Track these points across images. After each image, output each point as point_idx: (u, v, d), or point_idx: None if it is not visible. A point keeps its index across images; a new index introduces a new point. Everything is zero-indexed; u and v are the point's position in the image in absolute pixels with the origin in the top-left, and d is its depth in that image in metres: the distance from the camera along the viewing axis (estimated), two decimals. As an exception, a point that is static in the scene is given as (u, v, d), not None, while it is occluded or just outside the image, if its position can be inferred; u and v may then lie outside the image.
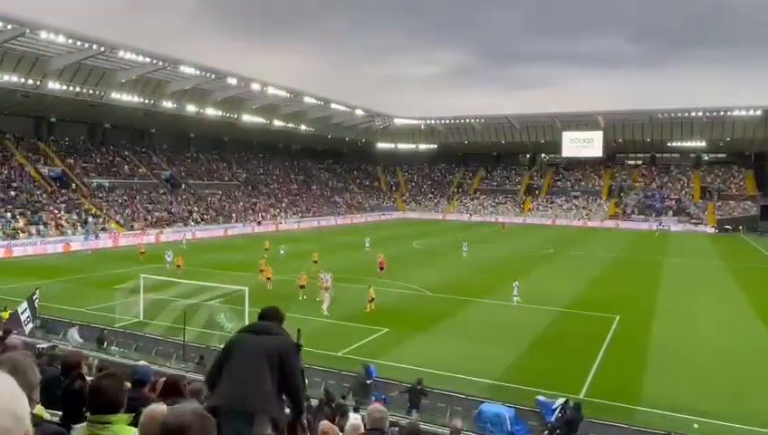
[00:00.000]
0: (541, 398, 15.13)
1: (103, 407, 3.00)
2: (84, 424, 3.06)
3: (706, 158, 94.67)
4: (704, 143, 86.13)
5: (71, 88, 53.21)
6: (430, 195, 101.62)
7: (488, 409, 14.48)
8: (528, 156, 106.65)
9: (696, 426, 14.67)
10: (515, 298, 29.05)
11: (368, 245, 48.06)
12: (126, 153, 71.16)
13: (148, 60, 52.96)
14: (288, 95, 71.07)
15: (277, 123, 78.24)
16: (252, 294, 23.64)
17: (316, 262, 37.74)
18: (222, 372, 3.60)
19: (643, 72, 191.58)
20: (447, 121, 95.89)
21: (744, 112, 74.87)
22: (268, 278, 31.12)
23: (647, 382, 18.20)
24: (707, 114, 78.62)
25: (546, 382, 17.44)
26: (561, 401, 14.55)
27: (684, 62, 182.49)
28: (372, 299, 26.80)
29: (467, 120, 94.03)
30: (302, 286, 28.85)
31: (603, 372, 19.01)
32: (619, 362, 20.25)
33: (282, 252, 42.70)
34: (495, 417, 14.09)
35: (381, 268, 33.80)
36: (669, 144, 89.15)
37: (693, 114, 79.53)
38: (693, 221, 78.55)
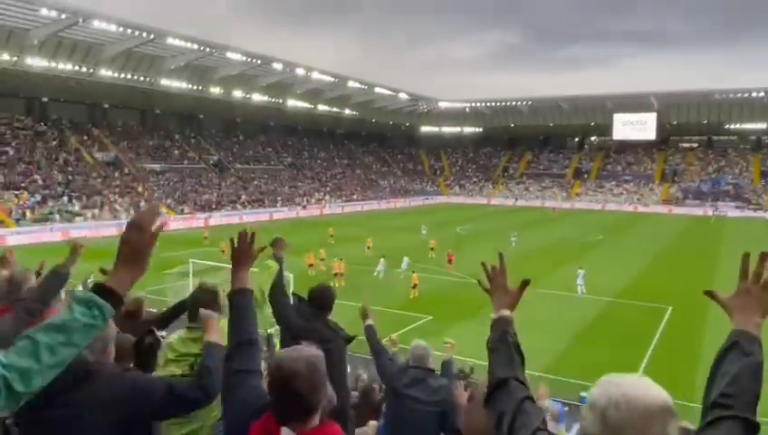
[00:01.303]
0: (584, 394, 14.71)
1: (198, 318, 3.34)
2: (182, 331, 3.51)
3: (767, 140, 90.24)
4: (764, 125, 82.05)
5: (122, 75, 54.71)
6: (474, 179, 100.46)
7: (534, 402, 14.17)
8: (577, 139, 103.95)
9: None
10: (580, 287, 28.38)
11: (424, 231, 47.05)
12: (176, 138, 72.84)
13: (195, 46, 53.88)
14: (332, 80, 71.24)
15: (321, 108, 78.61)
16: (296, 280, 23.84)
17: (369, 247, 37.96)
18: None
19: (700, 52, 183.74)
20: (493, 104, 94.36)
21: (809, 92, 70.81)
22: (337, 274, 29.08)
23: (700, 378, 17.49)
24: (769, 94, 74.82)
25: (595, 375, 16.91)
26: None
27: (743, 42, 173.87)
28: (415, 285, 26.73)
29: (514, 103, 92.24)
30: (336, 274, 28.82)
31: (654, 367, 18.42)
32: (671, 355, 19.58)
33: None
34: (542, 411, 13.78)
35: (450, 262, 32.27)
36: (727, 126, 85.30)
37: (753, 95, 75.84)
38: (751, 207, 75.13)
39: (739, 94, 77.38)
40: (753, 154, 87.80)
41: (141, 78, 56.82)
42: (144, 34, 49.59)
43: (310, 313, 4.30)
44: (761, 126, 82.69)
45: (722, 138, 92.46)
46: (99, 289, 1.89)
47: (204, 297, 3.56)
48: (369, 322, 5.15)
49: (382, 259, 31.86)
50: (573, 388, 16.05)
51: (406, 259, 32.49)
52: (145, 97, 63.39)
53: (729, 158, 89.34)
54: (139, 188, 57.74)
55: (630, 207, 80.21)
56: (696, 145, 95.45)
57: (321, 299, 4.08)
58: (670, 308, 25.50)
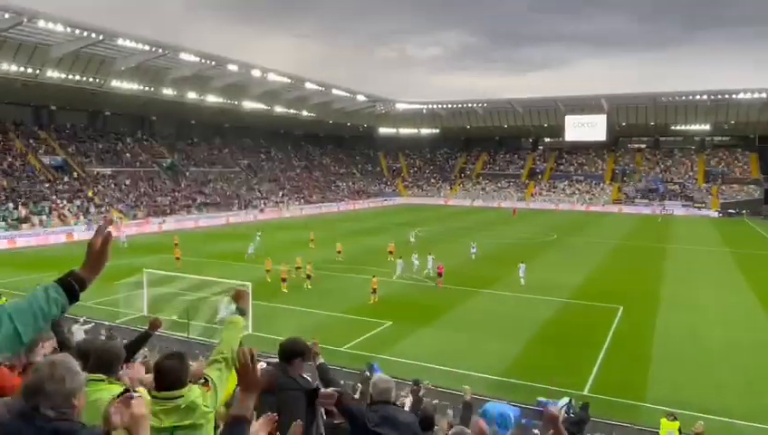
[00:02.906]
0: (541, 399, 15.10)
1: (167, 385, 3.17)
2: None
3: (710, 141, 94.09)
4: (708, 126, 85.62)
5: (70, 76, 52.96)
6: (432, 180, 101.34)
7: (493, 408, 14.45)
8: (531, 140, 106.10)
9: (701, 423, 14.64)
10: (522, 278, 30.75)
11: (413, 238, 45.42)
12: (127, 140, 70.94)
13: (147, 47, 52.60)
14: (289, 81, 70.71)
15: (278, 109, 77.91)
16: (256, 288, 23.64)
17: (339, 252, 37.75)
18: None
19: (649, 54, 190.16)
20: (449, 106, 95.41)
21: (748, 95, 74.28)
22: (308, 276, 29.75)
23: (651, 378, 18.19)
24: (712, 97, 78.12)
25: (550, 378, 17.42)
26: (565, 400, 14.54)
27: (690, 44, 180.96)
28: (375, 290, 26.82)
29: (470, 105, 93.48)
30: (283, 279, 28.76)
31: (607, 367, 19.00)
32: (623, 355, 20.23)
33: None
34: (500, 417, 14.07)
35: (440, 274, 30.79)
36: (673, 127, 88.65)
37: (697, 97, 79.04)
38: (696, 205, 78.25)
39: (684, 97, 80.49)
40: (697, 154, 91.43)
41: (90, 79, 55.12)
42: (93, 35, 48.08)
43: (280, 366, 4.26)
44: (704, 127, 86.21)
45: (668, 139, 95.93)
46: (70, 274, 2.49)
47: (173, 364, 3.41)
48: (321, 360, 5.11)
49: (400, 260, 32.88)
50: (530, 391, 16.45)
51: (431, 258, 33.87)
52: (94, 99, 61.47)
53: (675, 158, 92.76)
54: (89, 193, 55.98)
55: (582, 207, 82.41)
56: (644, 146, 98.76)
57: (290, 352, 4.07)
58: (621, 308, 26.31)
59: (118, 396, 3.02)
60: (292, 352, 4.08)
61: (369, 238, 47.84)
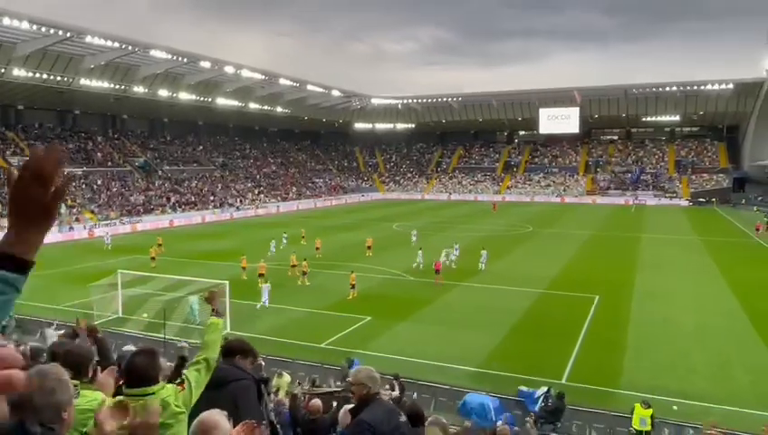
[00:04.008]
0: (522, 388, 15.28)
1: (137, 381, 3.12)
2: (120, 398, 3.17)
3: (680, 132, 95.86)
4: (678, 117, 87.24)
5: (37, 75, 51.76)
6: (409, 175, 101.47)
7: (472, 399, 14.58)
8: (506, 133, 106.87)
9: (675, 408, 14.97)
10: (482, 264, 32.45)
11: (414, 237, 43.15)
12: (98, 140, 69.64)
13: (116, 45, 51.58)
14: (263, 77, 70.05)
15: (252, 106, 77.19)
16: (233, 287, 23.46)
17: (318, 248, 37.62)
18: None
19: (621, 47, 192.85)
20: (425, 100, 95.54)
21: (716, 86, 75.78)
22: (304, 272, 29.77)
23: (627, 365, 18.51)
24: (681, 88, 79.53)
25: (528, 368, 17.63)
26: (543, 389, 14.72)
27: (660, 37, 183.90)
28: (353, 285, 26.79)
29: (445, 99, 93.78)
30: (261, 274, 28.63)
31: (584, 356, 19.27)
32: (599, 344, 20.53)
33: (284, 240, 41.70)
34: (480, 407, 14.19)
35: (437, 271, 30.42)
36: (644, 119, 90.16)
37: (667, 89, 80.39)
38: (668, 195, 79.70)
39: (654, 89, 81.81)
40: (668, 145, 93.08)
41: (58, 78, 53.92)
42: (60, 32, 46.99)
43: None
44: (674, 118, 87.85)
45: (640, 130, 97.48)
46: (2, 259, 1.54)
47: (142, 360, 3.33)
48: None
49: (420, 251, 33.68)
50: (509, 382, 16.61)
51: (456, 245, 34.94)
52: (63, 97, 60.18)
53: (647, 149, 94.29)
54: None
55: (557, 199, 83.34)
56: (616, 137, 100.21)
57: (236, 350, 4.22)
58: (597, 297, 26.70)
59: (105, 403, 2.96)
60: (240, 350, 4.23)
61: (346, 234, 47.75)
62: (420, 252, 33.78)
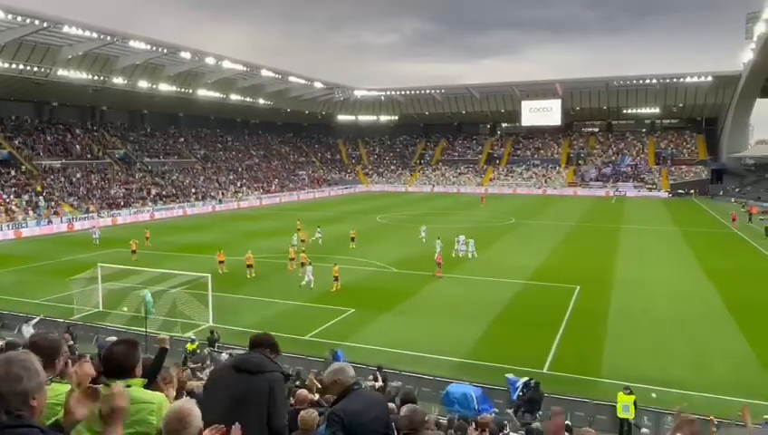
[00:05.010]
0: (509, 376, 15.43)
1: (114, 373, 3.07)
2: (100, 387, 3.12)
3: (660, 124, 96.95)
4: (658, 109, 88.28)
5: (13, 65, 50.79)
6: (392, 167, 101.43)
7: (455, 389, 14.68)
8: (489, 126, 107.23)
9: (654, 395, 15.20)
10: (460, 250, 34.17)
11: (423, 234, 41.13)
12: (77, 132, 68.56)
13: (95, 35, 50.71)
14: (244, 69, 69.44)
15: (234, 97, 76.55)
16: (215, 280, 23.32)
17: (304, 241, 37.40)
18: (209, 412, 3.71)
19: (602, 39, 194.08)
20: (408, 92, 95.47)
21: (695, 79, 76.79)
22: (302, 263, 29.14)
23: (607, 354, 18.75)
24: (661, 81, 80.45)
25: (510, 358, 17.79)
26: (524, 379, 14.88)
27: (640, 30, 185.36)
28: (337, 278, 26.78)
29: (428, 91, 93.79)
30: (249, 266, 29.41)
31: (565, 345, 19.49)
32: (580, 333, 20.77)
33: (318, 235, 40.43)
34: (463, 397, 14.30)
35: (439, 265, 30.10)
36: (625, 111, 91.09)
37: (647, 81, 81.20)
38: (648, 186, 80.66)
39: (635, 81, 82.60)
40: (648, 137, 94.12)
41: (35, 69, 52.92)
42: (37, 22, 46.06)
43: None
44: (654, 111, 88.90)
45: (621, 122, 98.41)
46: None
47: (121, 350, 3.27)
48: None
49: (438, 240, 34.15)
50: (491, 372, 16.76)
51: (467, 240, 35.23)
52: (40, 89, 59.08)
53: (627, 141, 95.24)
54: (38, 187, 53.96)
55: (539, 191, 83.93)
56: (597, 130, 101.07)
57: (263, 343, 4.27)
58: (578, 287, 26.98)
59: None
60: (269, 344, 4.24)
61: (330, 226, 47.60)
62: (439, 241, 34.23)
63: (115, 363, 3.11)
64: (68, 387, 3.17)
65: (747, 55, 65.07)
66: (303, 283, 26.75)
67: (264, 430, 3.71)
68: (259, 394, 3.75)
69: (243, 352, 4.65)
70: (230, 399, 3.73)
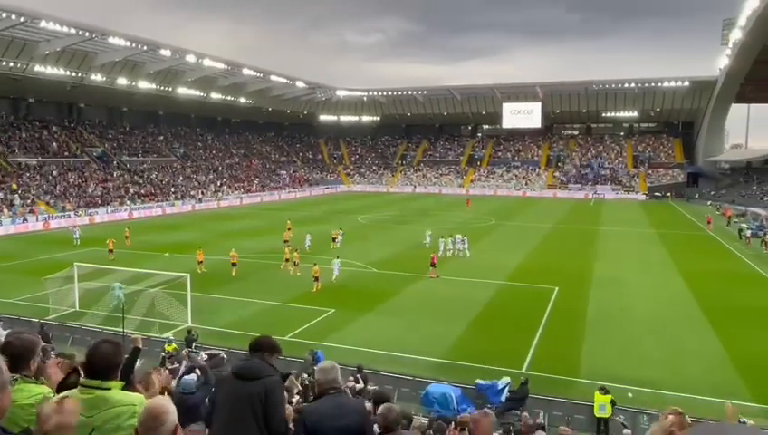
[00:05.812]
0: (480, 381, 15.47)
1: (98, 372, 3.00)
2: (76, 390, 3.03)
3: (638, 127, 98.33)
4: (636, 113, 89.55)
5: (-12, 61, 49.82)
6: (374, 167, 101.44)
7: (435, 389, 14.75)
8: (470, 127, 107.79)
9: (630, 395, 15.42)
10: (466, 252, 35.09)
11: (428, 238, 38.98)
12: (54, 129, 67.42)
13: (73, 30, 50.01)
14: (225, 67, 68.92)
15: (215, 96, 75.95)
16: (194, 280, 23.11)
17: (286, 241, 37.10)
18: (213, 419, 4.22)
19: (582, 43, 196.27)
20: (390, 93, 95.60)
21: (673, 83, 78.02)
22: (296, 263, 30.02)
23: (585, 354, 18.97)
24: (639, 85, 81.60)
25: (490, 358, 17.91)
26: (505, 379, 14.99)
27: (618, 34, 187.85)
28: (317, 278, 26.71)
29: (410, 92, 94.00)
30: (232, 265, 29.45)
31: (544, 345, 19.67)
32: (558, 334, 20.98)
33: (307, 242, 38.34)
34: (442, 397, 14.37)
35: (433, 265, 29.89)
36: (604, 114, 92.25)
37: (626, 85, 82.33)
38: (626, 189, 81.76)
39: (614, 85, 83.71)
40: (626, 140, 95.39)
41: (11, 64, 51.96)
42: (13, 17, 45.24)
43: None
44: (632, 114, 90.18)
45: (600, 125, 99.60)
46: None
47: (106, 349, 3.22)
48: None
49: (459, 236, 35.86)
50: (471, 372, 16.85)
51: (459, 237, 36.17)
52: (17, 85, 58.02)
53: (606, 144, 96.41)
54: (13, 185, 52.96)
55: (519, 192, 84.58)
56: (576, 132, 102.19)
57: (264, 346, 4.32)
58: (557, 288, 27.26)
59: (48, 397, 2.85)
60: (269, 347, 4.32)
61: (311, 227, 47.42)
62: (450, 239, 36.06)
63: (103, 363, 3.02)
64: (43, 387, 3.11)
65: (723, 61, 66.29)
66: (333, 278, 27.88)
67: (263, 433, 3.89)
68: (255, 399, 3.92)
69: (243, 356, 4.73)
70: (230, 405, 3.99)
